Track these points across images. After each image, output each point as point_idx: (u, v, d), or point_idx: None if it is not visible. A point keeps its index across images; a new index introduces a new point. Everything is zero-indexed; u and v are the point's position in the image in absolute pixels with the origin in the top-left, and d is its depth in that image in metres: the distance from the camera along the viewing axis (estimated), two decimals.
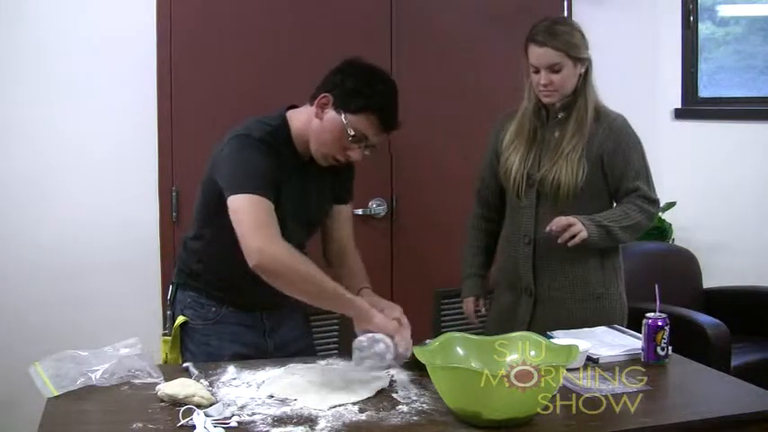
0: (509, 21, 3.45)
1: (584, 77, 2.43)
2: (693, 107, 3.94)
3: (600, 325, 2.35)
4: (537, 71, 2.40)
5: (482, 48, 3.50)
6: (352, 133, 2.01)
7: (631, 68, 3.83)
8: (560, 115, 2.45)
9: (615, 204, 2.47)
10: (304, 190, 2.14)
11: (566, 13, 3.63)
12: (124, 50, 3.15)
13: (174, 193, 3.18)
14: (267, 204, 1.93)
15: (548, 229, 2.32)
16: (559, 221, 2.30)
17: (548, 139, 2.45)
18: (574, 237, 2.28)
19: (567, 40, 2.37)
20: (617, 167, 2.42)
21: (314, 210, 2.20)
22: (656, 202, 2.45)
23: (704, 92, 3.97)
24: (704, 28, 3.98)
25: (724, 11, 4.03)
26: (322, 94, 2.03)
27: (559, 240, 2.30)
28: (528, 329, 2.36)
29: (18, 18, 3.06)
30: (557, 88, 2.39)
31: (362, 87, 2.02)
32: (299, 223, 2.15)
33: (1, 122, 3.08)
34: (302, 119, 2.09)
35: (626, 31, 3.82)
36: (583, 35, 2.43)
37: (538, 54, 2.38)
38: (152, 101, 3.17)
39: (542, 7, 3.59)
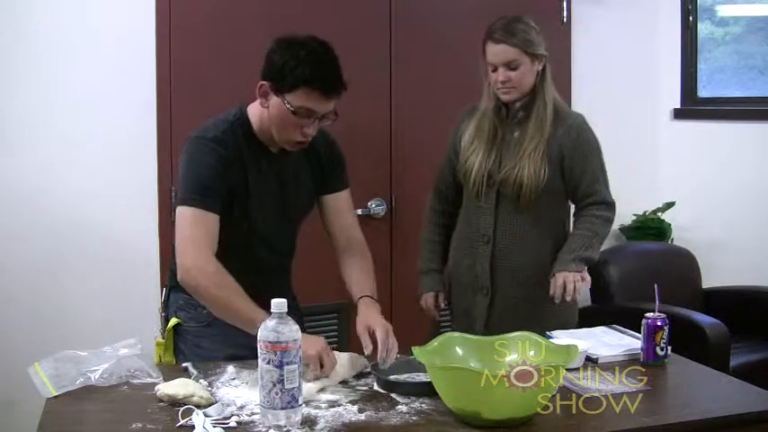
0: None
1: (542, 76, 2.44)
2: (692, 107, 3.94)
3: (553, 324, 2.36)
4: (495, 69, 2.42)
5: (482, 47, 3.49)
6: (296, 112, 1.98)
7: (631, 68, 3.83)
8: (520, 115, 2.46)
9: (574, 210, 2.50)
10: (278, 182, 2.14)
11: (565, 13, 3.64)
12: (123, 49, 3.15)
13: (172, 194, 3.18)
14: (208, 219, 1.99)
15: (557, 299, 2.32)
16: (555, 287, 2.30)
17: (508, 139, 2.47)
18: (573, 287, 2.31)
19: (524, 38, 2.39)
20: (576, 168, 2.44)
21: (293, 201, 2.19)
22: (613, 205, 2.47)
23: (703, 92, 3.97)
24: (703, 28, 3.98)
25: (723, 11, 4.03)
26: (260, 83, 2.03)
27: (569, 298, 2.31)
28: (484, 328, 2.41)
29: (15, 16, 3.05)
30: (515, 85, 2.41)
31: (289, 62, 1.97)
32: (279, 216, 2.16)
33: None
34: (257, 112, 2.09)
35: (625, 31, 3.82)
36: (539, 33, 2.44)
37: (495, 51, 2.41)
38: (151, 100, 3.17)
39: (542, 6, 3.59)
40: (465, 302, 2.56)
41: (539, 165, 2.38)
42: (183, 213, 2.01)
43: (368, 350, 1.99)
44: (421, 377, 1.93)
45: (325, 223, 2.28)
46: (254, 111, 2.09)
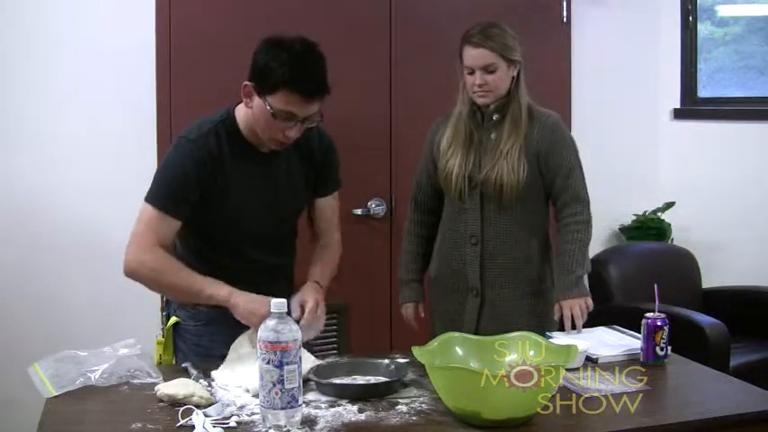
0: (509, 20, 3.43)
1: (517, 81, 2.47)
2: (692, 107, 3.94)
3: (542, 319, 2.39)
4: (472, 72, 2.44)
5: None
6: (276, 114, 1.96)
7: (631, 68, 3.83)
8: (495, 117, 2.48)
9: (555, 213, 2.51)
10: (268, 182, 2.13)
11: (565, 13, 3.64)
12: (123, 49, 3.15)
13: None
14: (166, 222, 2.03)
15: (570, 332, 2.33)
16: (568, 321, 2.34)
17: (485, 142, 2.48)
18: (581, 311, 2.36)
19: (502, 42, 2.42)
20: (552, 164, 2.46)
21: (285, 201, 2.19)
22: (588, 202, 2.49)
23: (703, 92, 3.97)
24: (703, 28, 3.98)
25: (723, 11, 4.03)
26: (244, 84, 2.02)
27: (576, 332, 2.33)
28: (475, 329, 2.42)
29: (15, 16, 3.05)
30: (491, 89, 2.43)
31: (270, 63, 1.95)
32: (270, 215, 2.15)
33: (0, 120, 3.09)
34: (244, 113, 2.08)
35: (626, 31, 3.82)
36: (514, 38, 2.47)
37: (473, 55, 2.42)
38: (151, 99, 3.17)
39: (542, 7, 3.60)
40: (451, 306, 2.56)
41: (517, 163, 2.41)
42: (146, 210, 2.05)
43: (295, 314, 2.02)
44: (358, 380, 1.93)
45: (309, 217, 2.31)
46: (242, 111, 2.09)
